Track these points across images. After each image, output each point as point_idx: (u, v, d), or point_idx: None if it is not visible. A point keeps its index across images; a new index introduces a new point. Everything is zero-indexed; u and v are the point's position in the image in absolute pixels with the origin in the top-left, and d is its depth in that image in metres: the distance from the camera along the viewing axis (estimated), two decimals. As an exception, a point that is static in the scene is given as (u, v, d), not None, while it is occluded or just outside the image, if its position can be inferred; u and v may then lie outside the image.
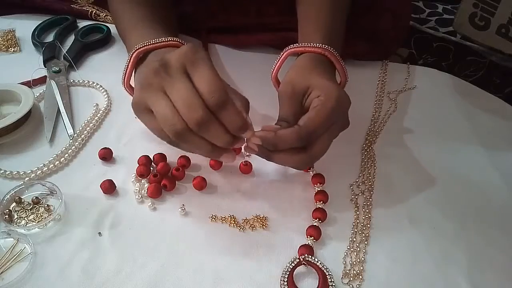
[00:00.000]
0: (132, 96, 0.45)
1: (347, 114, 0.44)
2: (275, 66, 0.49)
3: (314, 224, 0.43)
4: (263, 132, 0.41)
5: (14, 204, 0.44)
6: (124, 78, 0.47)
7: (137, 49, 0.46)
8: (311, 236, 0.42)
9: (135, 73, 0.47)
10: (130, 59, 0.46)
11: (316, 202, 0.45)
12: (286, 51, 0.48)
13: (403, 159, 0.52)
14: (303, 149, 0.41)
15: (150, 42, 0.46)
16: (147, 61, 0.46)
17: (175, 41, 0.46)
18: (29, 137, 0.51)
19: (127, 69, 0.47)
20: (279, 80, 0.49)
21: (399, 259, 0.42)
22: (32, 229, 0.42)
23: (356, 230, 0.44)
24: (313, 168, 0.49)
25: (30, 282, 0.38)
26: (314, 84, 0.43)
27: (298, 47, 0.47)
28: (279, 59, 0.48)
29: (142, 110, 0.41)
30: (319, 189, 0.47)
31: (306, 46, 0.47)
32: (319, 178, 0.47)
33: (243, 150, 0.50)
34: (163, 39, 0.46)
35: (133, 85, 0.47)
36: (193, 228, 0.43)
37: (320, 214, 0.44)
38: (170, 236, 0.42)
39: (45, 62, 0.61)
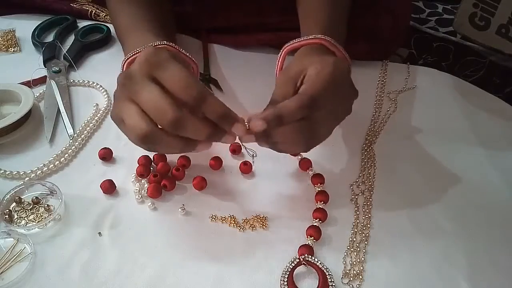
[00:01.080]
0: None
1: (350, 83, 0.42)
2: (277, 66, 0.48)
3: (314, 224, 0.43)
4: (263, 113, 0.38)
5: (14, 204, 0.44)
6: (129, 59, 0.45)
7: (127, 60, 0.45)
8: (311, 236, 0.42)
9: None
10: (123, 70, 0.45)
11: (317, 202, 0.45)
12: (284, 49, 0.47)
13: (403, 159, 0.52)
14: (307, 124, 0.39)
15: (138, 50, 0.44)
16: None
17: (166, 44, 0.45)
18: (29, 137, 0.51)
19: (137, 53, 0.45)
20: None
21: (399, 259, 0.42)
22: (32, 229, 0.42)
23: (356, 230, 0.44)
24: (312, 167, 0.49)
25: (30, 282, 0.38)
26: (309, 63, 0.42)
27: (294, 43, 0.47)
28: (279, 58, 0.48)
29: (119, 123, 0.40)
30: (319, 189, 0.47)
31: (301, 40, 0.46)
32: (319, 178, 0.47)
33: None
34: (151, 45, 0.44)
35: None
36: (193, 228, 0.43)
37: (321, 214, 0.44)
38: (170, 236, 0.42)
39: (45, 62, 0.61)
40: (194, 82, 0.36)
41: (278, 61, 0.48)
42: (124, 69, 0.45)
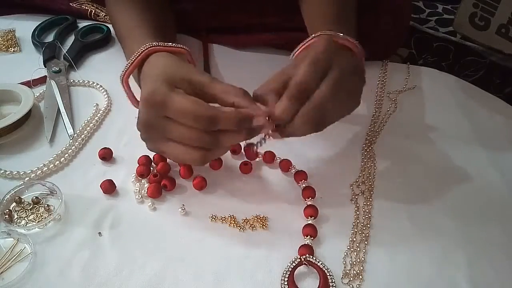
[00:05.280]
0: (126, 93, 0.46)
1: (352, 66, 0.41)
2: None
3: (309, 222, 0.43)
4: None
5: (14, 204, 0.44)
6: (125, 73, 0.46)
7: (125, 72, 0.45)
8: (308, 235, 0.42)
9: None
10: (139, 56, 0.45)
11: (305, 199, 0.45)
12: (293, 55, 0.47)
13: (403, 159, 0.52)
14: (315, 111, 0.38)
15: (130, 62, 0.45)
16: (145, 73, 0.45)
17: (151, 46, 0.45)
18: (29, 137, 0.51)
19: (131, 64, 0.45)
20: None
21: (399, 259, 0.42)
22: (32, 229, 0.42)
23: (356, 230, 0.44)
24: (293, 165, 0.49)
25: (30, 282, 0.38)
26: (304, 56, 0.41)
27: (301, 46, 0.46)
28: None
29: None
30: (304, 185, 0.47)
31: (307, 41, 0.46)
32: (301, 175, 0.47)
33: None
34: (172, 44, 0.45)
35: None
36: (193, 228, 0.43)
37: (312, 211, 0.44)
38: (170, 236, 0.42)
39: (45, 62, 0.61)
40: (201, 110, 0.37)
41: None
42: (123, 80, 0.46)
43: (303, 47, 0.46)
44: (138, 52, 0.45)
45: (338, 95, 0.39)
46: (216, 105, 0.40)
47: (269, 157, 0.49)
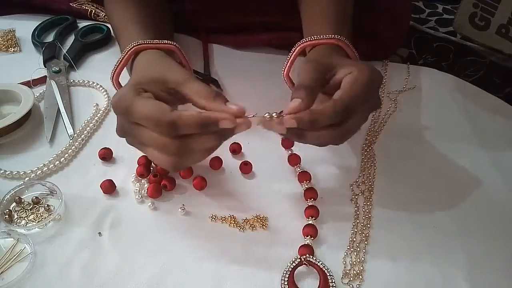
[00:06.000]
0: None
1: (378, 93, 0.43)
2: (288, 62, 0.47)
3: (309, 222, 0.43)
4: (299, 113, 0.38)
5: (14, 204, 0.44)
6: (114, 72, 0.46)
7: (114, 73, 0.46)
8: (308, 235, 0.42)
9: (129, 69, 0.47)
10: (126, 54, 0.45)
11: (307, 200, 0.45)
12: (298, 45, 0.46)
13: (403, 159, 0.52)
14: (336, 124, 0.39)
15: (149, 41, 0.45)
16: (135, 67, 0.45)
17: (172, 44, 0.46)
18: (29, 137, 0.51)
19: (119, 64, 0.46)
20: (291, 79, 0.48)
21: (399, 259, 0.42)
22: (32, 229, 0.42)
23: (356, 230, 0.44)
24: (300, 164, 0.49)
25: (30, 282, 0.38)
26: (341, 63, 0.42)
27: (311, 40, 0.46)
28: (292, 54, 0.47)
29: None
30: (307, 186, 0.47)
31: (319, 39, 0.46)
32: (306, 175, 0.47)
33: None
34: (159, 41, 0.45)
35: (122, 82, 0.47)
36: (193, 228, 0.43)
37: (313, 212, 0.44)
38: (170, 236, 0.42)
39: (45, 62, 0.61)
40: (160, 115, 0.36)
41: (290, 57, 0.47)
42: (113, 79, 0.46)
43: (310, 43, 0.46)
44: (125, 51, 0.45)
45: (365, 121, 0.42)
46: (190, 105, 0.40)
47: (288, 143, 0.50)
